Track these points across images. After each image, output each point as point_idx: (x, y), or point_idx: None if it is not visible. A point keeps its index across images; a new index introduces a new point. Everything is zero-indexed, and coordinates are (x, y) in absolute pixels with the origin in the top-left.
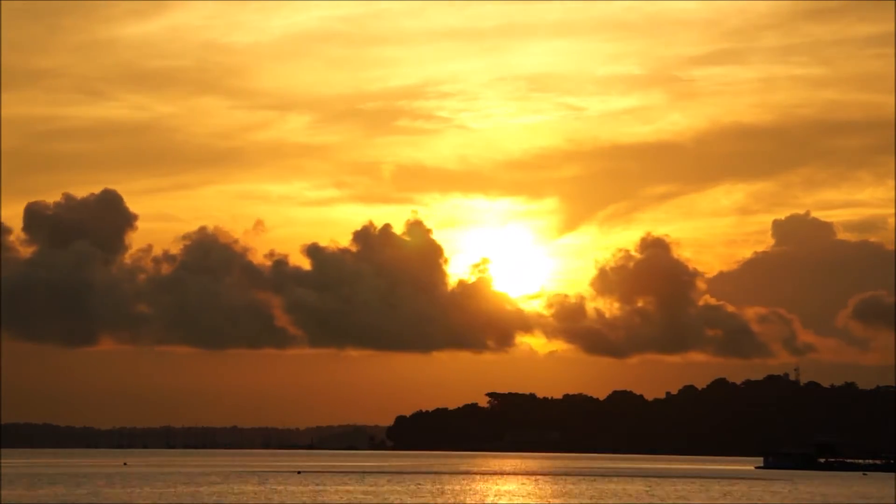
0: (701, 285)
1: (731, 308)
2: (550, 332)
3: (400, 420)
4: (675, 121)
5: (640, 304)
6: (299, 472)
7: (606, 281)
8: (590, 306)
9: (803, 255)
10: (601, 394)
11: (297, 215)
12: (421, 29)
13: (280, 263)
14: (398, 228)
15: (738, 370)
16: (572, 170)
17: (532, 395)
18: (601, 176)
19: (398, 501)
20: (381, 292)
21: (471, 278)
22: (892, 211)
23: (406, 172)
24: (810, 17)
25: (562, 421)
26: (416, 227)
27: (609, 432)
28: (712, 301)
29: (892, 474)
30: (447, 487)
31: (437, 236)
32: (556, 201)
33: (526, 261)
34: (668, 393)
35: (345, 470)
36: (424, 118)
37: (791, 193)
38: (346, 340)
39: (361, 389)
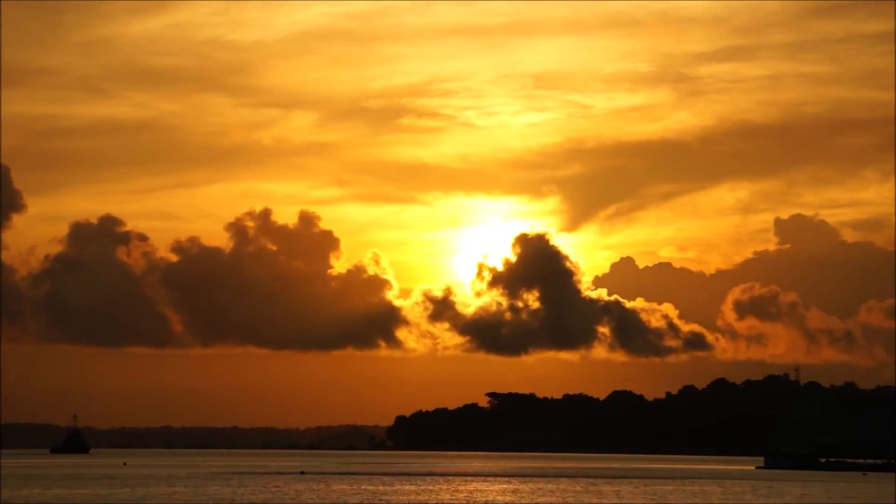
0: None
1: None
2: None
3: (400, 420)
4: (683, 119)
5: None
6: (303, 473)
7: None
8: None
9: (804, 254)
10: (601, 394)
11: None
12: (426, 26)
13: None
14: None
15: (739, 370)
16: (575, 168)
17: (532, 395)
18: (604, 174)
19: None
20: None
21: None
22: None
23: (409, 171)
24: (819, 14)
25: (562, 421)
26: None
27: (609, 432)
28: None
29: (892, 474)
30: (449, 488)
31: (437, 235)
32: (558, 200)
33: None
34: (668, 393)
35: (348, 470)
36: (429, 116)
37: (795, 192)
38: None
39: (362, 389)
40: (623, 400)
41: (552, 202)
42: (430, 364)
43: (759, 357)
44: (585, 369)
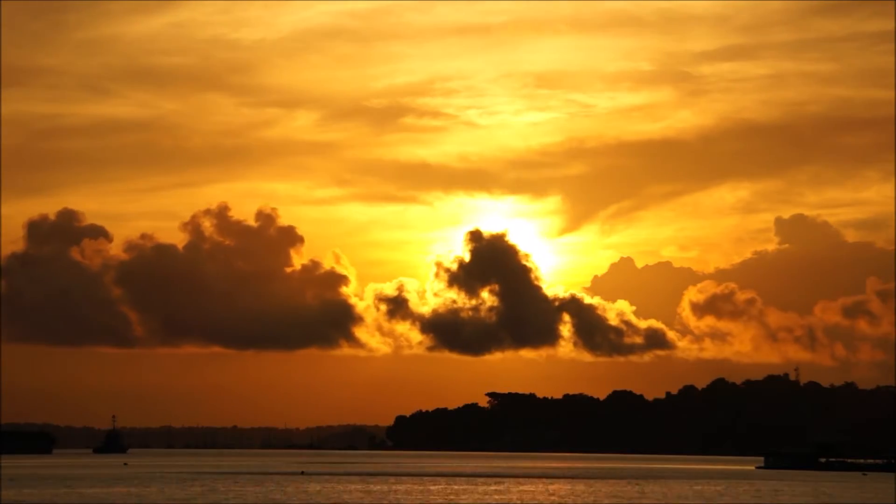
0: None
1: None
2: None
3: (400, 420)
4: (685, 118)
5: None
6: (303, 473)
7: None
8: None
9: (804, 254)
10: (601, 394)
11: (303, 214)
12: (428, 25)
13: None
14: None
15: (738, 370)
16: (577, 168)
17: (532, 395)
18: (606, 174)
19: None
20: None
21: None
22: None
23: (410, 170)
24: (821, 13)
25: (562, 421)
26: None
27: (609, 432)
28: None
29: (892, 474)
30: (451, 489)
31: (438, 235)
32: (559, 200)
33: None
34: (668, 393)
35: (348, 471)
36: (430, 115)
37: (797, 191)
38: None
39: (363, 389)
40: (623, 400)
41: (553, 202)
42: (429, 363)
43: (749, 357)
44: (585, 368)
